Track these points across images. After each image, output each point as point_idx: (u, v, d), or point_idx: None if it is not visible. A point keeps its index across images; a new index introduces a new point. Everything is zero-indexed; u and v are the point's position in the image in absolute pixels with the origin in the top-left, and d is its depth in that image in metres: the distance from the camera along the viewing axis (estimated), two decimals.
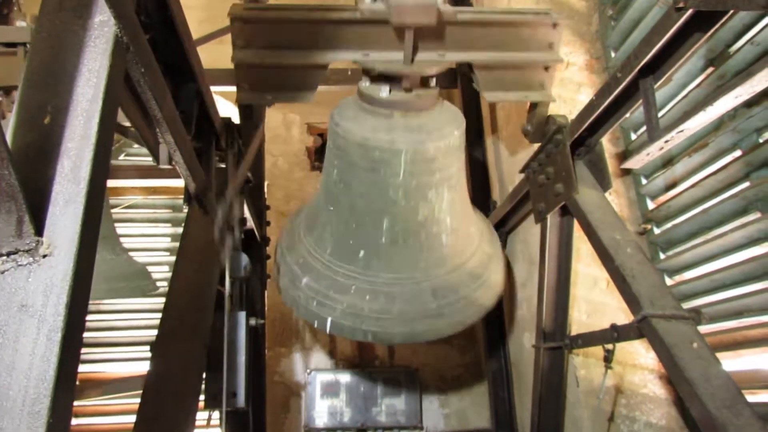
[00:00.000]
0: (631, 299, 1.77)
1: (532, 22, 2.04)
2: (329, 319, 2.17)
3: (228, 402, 1.78)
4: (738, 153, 2.11)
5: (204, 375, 1.79)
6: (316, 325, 2.20)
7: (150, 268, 4.25)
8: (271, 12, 1.86)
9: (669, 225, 2.55)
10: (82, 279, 0.74)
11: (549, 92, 2.23)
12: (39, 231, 0.75)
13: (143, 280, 3.14)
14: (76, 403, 4.03)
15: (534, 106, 2.33)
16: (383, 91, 1.96)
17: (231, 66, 2.61)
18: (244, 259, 2.02)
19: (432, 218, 2.17)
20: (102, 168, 0.83)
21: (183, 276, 1.65)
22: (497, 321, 3.46)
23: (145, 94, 1.17)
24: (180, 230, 1.82)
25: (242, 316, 1.95)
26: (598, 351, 2.29)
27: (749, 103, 1.87)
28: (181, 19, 1.46)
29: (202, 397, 1.73)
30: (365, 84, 2.02)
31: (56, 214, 0.76)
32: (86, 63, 0.88)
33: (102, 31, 0.91)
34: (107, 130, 0.86)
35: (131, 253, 4.24)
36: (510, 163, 3.47)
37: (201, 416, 1.90)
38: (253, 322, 2.01)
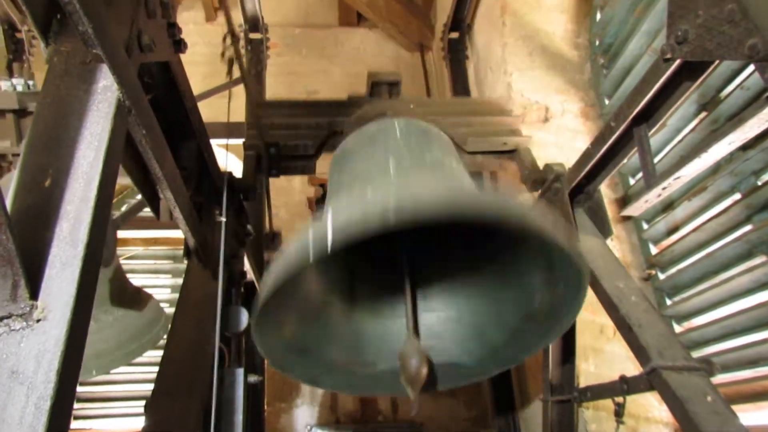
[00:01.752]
0: (639, 350, 1.73)
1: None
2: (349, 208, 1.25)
3: None
4: (737, 196, 2.12)
5: None
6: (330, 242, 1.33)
7: None
8: None
9: (674, 270, 2.53)
10: (74, 344, 0.73)
11: (525, 137, 2.40)
12: (34, 294, 0.74)
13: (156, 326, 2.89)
14: None
15: (519, 158, 2.48)
16: None
17: (233, 120, 2.67)
18: (244, 314, 1.98)
19: (442, 165, 1.85)
20: (100, 230, 0.83)
21: (181, 332, 1.63)
22: (504, 372, 3.37)
23: (146, 154, 1.18)
24: (180, 281, 1.81)
25: (240, 373, 1.90)
26: (609, 403, 2.22)
27: (744, 147, 1.89)
28: (183, 80, 1.49)
29: None
30: None
31: (52, 277, 0.75)
32: (89, 127, 0.89)
33: (105, 95, 0.93)
34: (107, 192, 0.87)
35: None
36: None
37: None
38: (252, 379, 1.95)
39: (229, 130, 2.72)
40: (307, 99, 2.71)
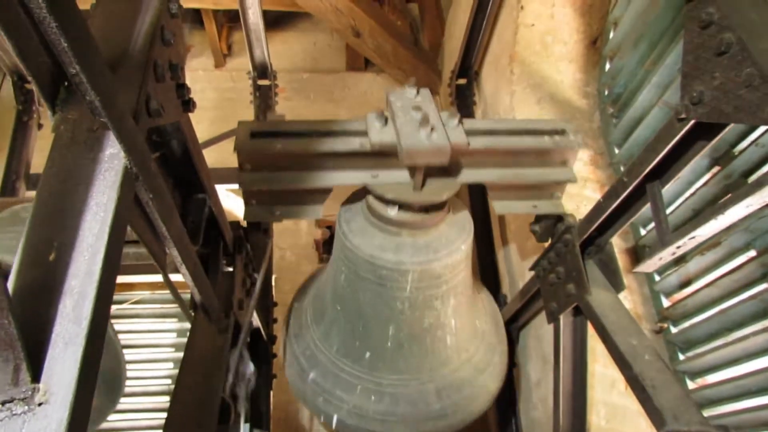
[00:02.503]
0: (653, 412, 1.68)
1: (546, 145, 2.06)
2: (335, 417, 2.23)
3: None
4: (753, 253, 2.08)
5: None
6: (322, 420, 2.29)
7: (155, 365, 4.17)
8: (278, 143, 1.88)
9: (687, 324, 2.48)
10: (77, 426, 0.70)
11: (559, 203, 2.25)
12: (36, 377, 0.72)
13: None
14: None
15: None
16: (391, 211, 1.99)
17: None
18: (250, 368, 1.96)
19: (437, 323, 2.20)
20: (104, 305, 0.81)
21: (186, 388, 1.60)
22: (512, 423, 3.29)
23: (153, 215, 1.18)
24: (187, 324, 1.78)
25: (246, 429, 1.86)
26: None
27: None
28: (192, 137, 1.50)
29: None
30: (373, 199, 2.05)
31: (55, 358, 0.73)
32: (95, 197, 0.88)
33: (112, 164, 0.92)
34: (112, 263, 0.85)
35: (136, 350, 4.19)
36: (519, 257, 3.44)
37: None
38: None
39: (224, 175, 2.72)
40: None
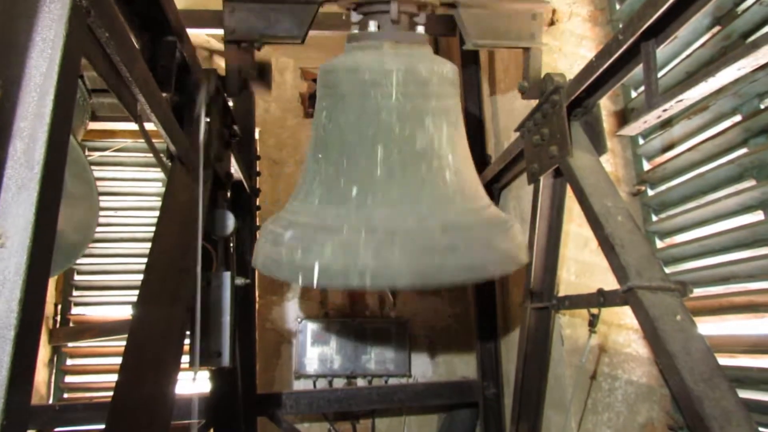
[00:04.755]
0: (618, 269, 1.76)
1: None
2: (317, 265, 1.64)
3: (213, 361, 1.80)
4: (738, 118, 2.05)
5: (189, 335, 1.80)
6: (301, 283, 1.75)
7: (141, 213, 4.25)
8: None
9: (663, 187, 2.52)
10: (37, 271, 0.71)
11: (539, 40, 2.22)
12: None
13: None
14: (71, 344, 4.11)
15: (527, 59, 2.33)
16: (371, 26, 1.88)
17: (216, 8, 2.49)
18: (230, 217, 1.99)
19: (432, 151, 1.84)
20: (59, 150, 0.78)
21: (165, 237, 1.63)
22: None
23: (114, 56, 1.10)
24: None
25: (227, 276, 1.94)
26: (584, 311, 2.31)
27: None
28: None
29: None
30: (354, 31, 1.93)
31: (8, 202, 0.72)
32: (40, 32, 0.81)
33: None
34: (65, 106, 0.80)
35: (121, 198, 4.24)
36: (506, 119, 3.39)
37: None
38: (239, 281, 2.00)
39: (214, 18, 2.53)
40: None
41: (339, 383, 3.70)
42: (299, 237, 1.76)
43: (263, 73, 3.41)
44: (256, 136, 3.64)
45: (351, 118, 1.84)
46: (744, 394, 2.02)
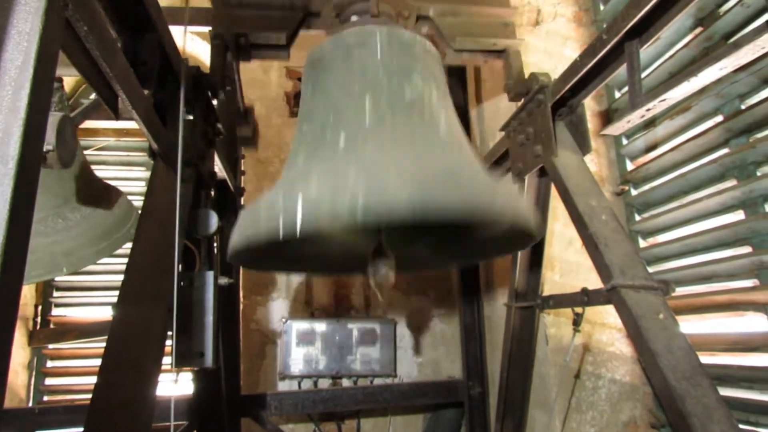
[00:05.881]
0: (602, 268, 1.77)
1: None
2: (299, 203, 1.27)
3: (195, 362, 1.77)
4: (720, 118, 2.08)
5: (172, 335, 1.77)
6: (282, 232, 1.24)
7: None
8: None
9: (646, 187, 2.55)
10: (11, 269, 0.69)
11: (516, 39, 2.26)
12: None
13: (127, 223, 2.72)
14: (51, 346, 4.04)
15: (507, 60, 2.37)
16: (353, 19, 1.88)
17: (203, 4, 2.47)
18: (213, 216, 1.96)
19: (422, 103, 1.68)
20: (35, 146, 0.76)
21: (146, 237, 1.60)
22: (472, 276, 3.48)
23: (93, 52, 1.08)
24: None
25: (210, 275, 1.91)
26: (569, 311, 2.32)
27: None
28: None
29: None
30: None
31: None
32: (15, 25, 0.78)
33: None
34: (41, 101, 0.78)
35: None
36: (492, 119, 3.40)
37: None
38: (223, 281, 1.97)
39: (191, 15, 2.49)
40: None
41: (324, 384, 3.68)
42: (279, 190, 1.42)
43: (246, 115, 3.40)
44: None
45: (336, 78, 1.71)
46: (724, 391, 2.05)
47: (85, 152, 4.15)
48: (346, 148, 1.53)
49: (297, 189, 1.30)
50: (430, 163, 1.47)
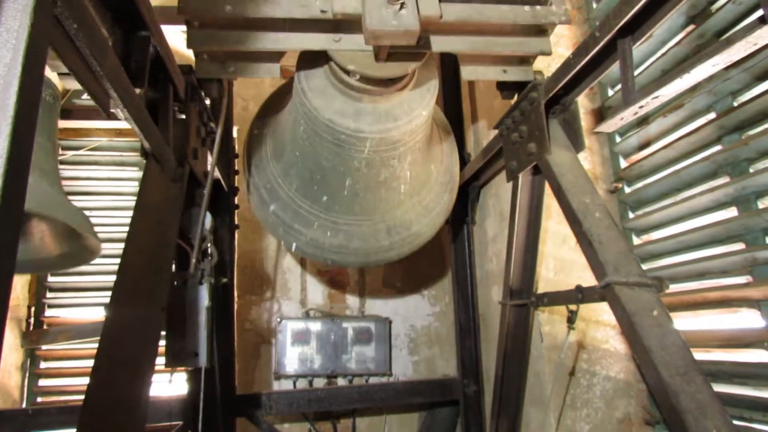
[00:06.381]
0: (596, 265, 1.78)
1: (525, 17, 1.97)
2: (294, 244, 2.46)
3: (190, 362, 1.76)
4: (712, 115, 2.09)
5: (165, 335, 1.76)
6: (283, 244, 2.64)
7: (116, 212, 4.17)
8: (227, 4, 1.73)
9: (640, 184, 2.55)
10: (1, 268, 0.68)
11: (530, 69, 2.20)
12: None
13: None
14: (45, 347, 4.01)
15: None
16: (353, 77, 1.88)
17: None
18: (207, 216, 1.95)
19: (392, 177, 2.31)
20: (24, 143, 0.75)
21: (139, 236, 1.59)
22: (467, 274, 3.48)
23: (83, 49, 1.07)
24: None
25: (204, 275, 1.91)
26: (563, 308, 2.32)
27: (727, 66, 1.83)
28: None
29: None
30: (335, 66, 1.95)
31: None
32: (3, 22, 0.77)
33: None
34: (29, 99, 0.78)
35: (97, 197, 4.15)
36: (486, 117, 3.40)
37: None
38: (217, 281, 1.96)
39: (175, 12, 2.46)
40: None
41: (319, 383, 3.67)
42: (281, 217, 2.44)
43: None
44: (234, 134, 3.60)
45: (326, 154, 2.14)
46: (718, 387, 2.06)
47: (78, 152, 4.13)
48: (327, 207, 2.38)
49: (293, 233, 2.45)
50: (381, 229, 2.50)
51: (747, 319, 2.05)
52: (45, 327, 4.03)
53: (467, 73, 2.14)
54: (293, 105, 2.18)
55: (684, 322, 2.35)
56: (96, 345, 1.31)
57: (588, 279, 2.57)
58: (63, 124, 3.85)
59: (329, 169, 2.19)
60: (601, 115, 2.74)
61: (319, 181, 2.29)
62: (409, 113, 2.05)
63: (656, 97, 1.53)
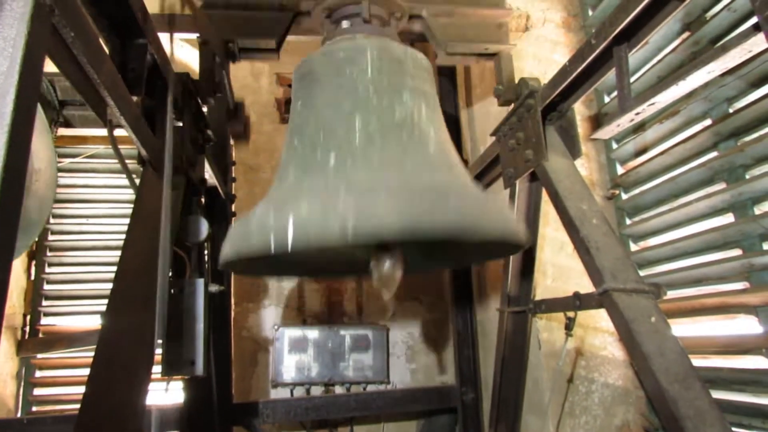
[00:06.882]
0: (594, 272, 1.78)
1: None
2: (291, 222, 1.32)
3: (186, 370, 1.75)
4: (708, 122, 2.09)
5: (162, 343, 1.75)
6: (273, 248, 1.31)
7: (113, 220, 4.16)
8: None
9: (637, 191, 2.56)
10: None
11: (507, 44, 2.28)
12: None
13: None
14: (40, 356, 3.99)
15: (498, 63, 2.39)
16: (344, 24, 1.87)
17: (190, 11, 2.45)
18: (204, 223, 1.95)
19: (411, 122, 1.71)
20: (21, 151, 0.75)
21: (136, 244, 1.59)
22: (464, 281, 3.48)
23: (80, 57, 1.07)
24: None
25: (200, 283, 1.90)
26: (561, 315, 2.32)
27: (722, 73, 1.84)
28: None
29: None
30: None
31: None
32: (0, 30, 0.77)
33: None
34: (26, 107, 0.78)
35: (93, 205, 4.15)
36: (483, 124, 3.41)
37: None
38: (213, 288, 1.96)
39: (179, 22, 2.47)
40: None
41: (317, 391, 3.66)
42: (270, 206, 1.47)
43: (237, 111, 3.38)
44: (231, 141, 3.61)
45: (326, 95, 1.72)
46: (716, 394, 2.05)
47: (74, 160, 4.13)
48: (336, 168, 1.56)
49: (288, 208, 1.34)
50: (419, 184, 1.54)
51: (745, 325, 2.05)
52: (40, 335, 4.01)
53: (450, 47, 2.29)
54: (293, 95, 2.06)
55: (682, 328, 2.34)
56: (92, 353, 1.30)
57: (586, 286, 2.57)
58: (61, 131, 3.85)
59: (333, 116, 1.68)
60: (597, 121, 2.75)
61: (323, 142, 1.64)
62: (406, 47, 1.89)
63: (652, 103, 1.54)
